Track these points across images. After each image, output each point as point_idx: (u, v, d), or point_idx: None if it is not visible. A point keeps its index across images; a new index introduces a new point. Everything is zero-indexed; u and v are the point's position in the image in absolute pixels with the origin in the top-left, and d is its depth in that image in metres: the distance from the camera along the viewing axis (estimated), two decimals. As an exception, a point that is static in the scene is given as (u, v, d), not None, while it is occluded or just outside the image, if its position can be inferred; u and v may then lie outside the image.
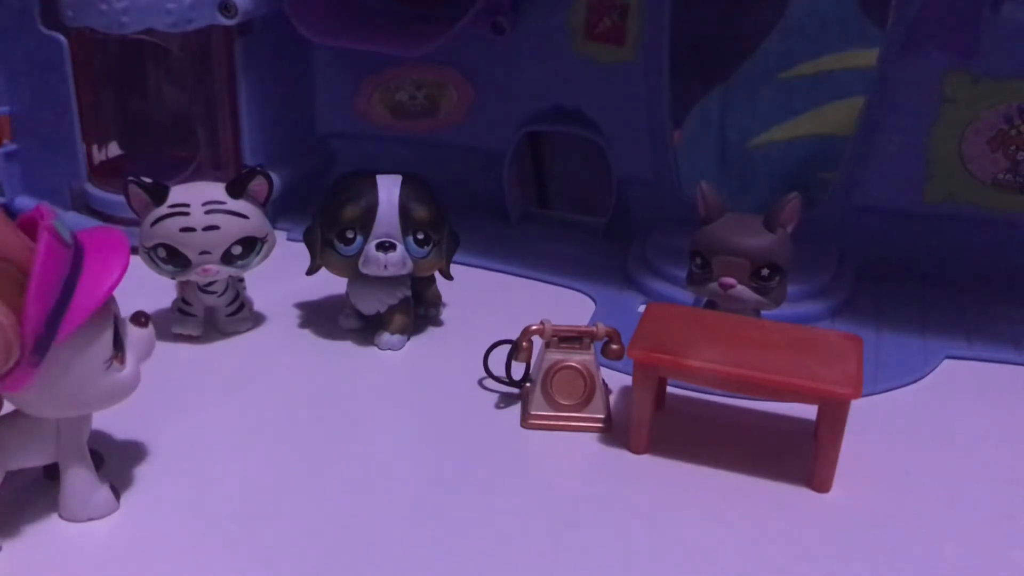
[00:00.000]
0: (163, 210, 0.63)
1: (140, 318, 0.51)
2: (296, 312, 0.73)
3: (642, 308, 0.61)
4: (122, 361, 0.48)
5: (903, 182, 0.75)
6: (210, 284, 0.67)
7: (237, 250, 0.65)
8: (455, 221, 0.68)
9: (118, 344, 0.48)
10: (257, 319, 0.71)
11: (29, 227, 0.45)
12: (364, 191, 0.64)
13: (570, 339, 0.59)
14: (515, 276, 0.79)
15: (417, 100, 0.90)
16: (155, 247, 0.64)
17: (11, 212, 0.81)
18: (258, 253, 0.66)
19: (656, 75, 0.78)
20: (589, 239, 0.85)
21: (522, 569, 0.48)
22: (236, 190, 0.64)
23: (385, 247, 0.64)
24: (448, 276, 0.69)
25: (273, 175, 0.67)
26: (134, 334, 0.50)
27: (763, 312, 0.61)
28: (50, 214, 0.45)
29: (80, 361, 0.46)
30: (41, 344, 0.44)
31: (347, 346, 0.68)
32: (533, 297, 0.76)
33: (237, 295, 0.69)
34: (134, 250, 0.48)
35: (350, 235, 0.64)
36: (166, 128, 0.88)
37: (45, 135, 0.82)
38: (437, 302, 0.72)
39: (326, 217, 0.65)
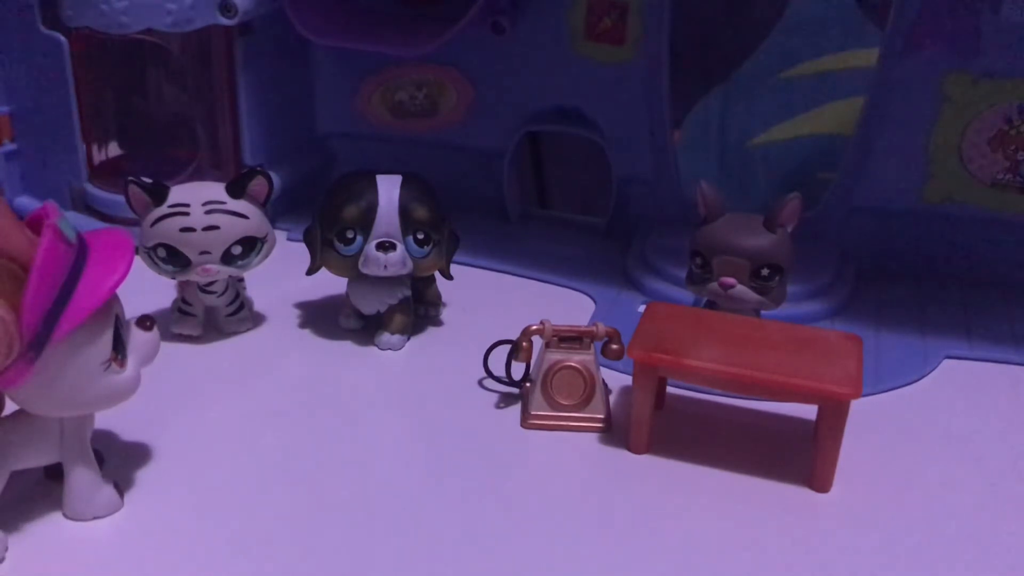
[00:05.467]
0: (163, 210, 0.63)
1: (145, 322, 0.51)
2: (296, 312, 0.73)
3: (642, 308, 0.61)
4: (122, 363, 0.48)
5: (903, 182, 0.75)
6: (210, 284, 0.67)
7: (237, 250, 0.65)
8: (455, 221, 0.68)
9: (118, 346, 0.48)
10: (257, 319, 0.71)
11: (35, 225, 0.45)
12: (364, 191, 0.64)
13: (570, 339, 0.59)
14: (515, 276, 0.79)
15: (417, 100, 0.90)
16: (155, 247, 0.64)
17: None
18: (258, 253, 0.66)
19: (656, 75, 0.78)
20: (589, 239, 0.85)
21: (522, 569, 0.48)
22: (236, 190, 0.64)
23: (385, 247, 0.64)
24: (448, 276, 0.69)
25: (273, 175, 0.67)
26: (138, 337, 0.50)
27: (763, 312, 0.61)
28: (55, 212, 0.45)
29: (78, 360, 0.46)
30: (38, 340, 0.44)
31: (347, 346, 0.68)
32: (533, 297, 0.76)
33: (237, 295, 0.69)
34: (135, 250, 0.48)
35: (350, 235, 0.64)
36: (166, 128, 0.88)
37: (45, 135, 0.82)
38: (437, 302, 0.72)
39: (326, 217, 0.65)
